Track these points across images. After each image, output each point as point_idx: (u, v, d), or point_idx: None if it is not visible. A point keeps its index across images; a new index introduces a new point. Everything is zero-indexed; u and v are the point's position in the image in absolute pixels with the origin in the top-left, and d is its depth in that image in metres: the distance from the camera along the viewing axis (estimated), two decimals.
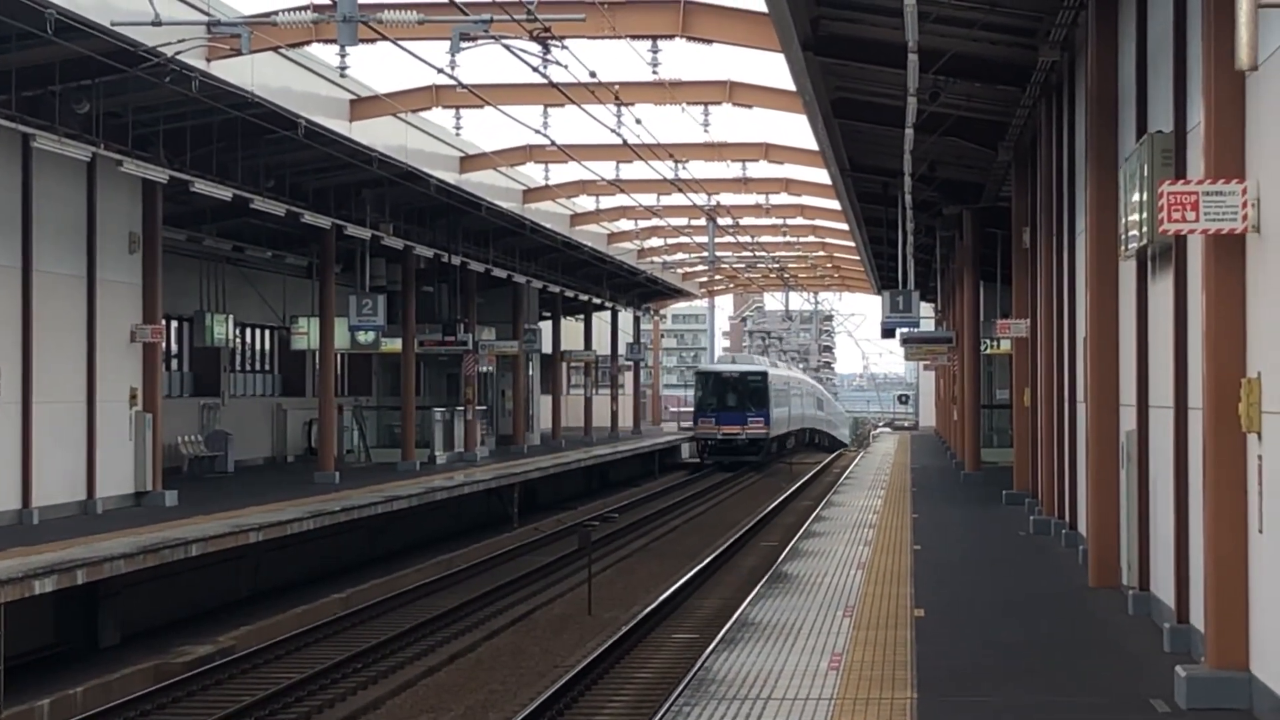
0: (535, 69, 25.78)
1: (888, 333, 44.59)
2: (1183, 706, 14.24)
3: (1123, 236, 18.88)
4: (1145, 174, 16.99)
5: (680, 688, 15.68)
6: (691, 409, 78.15)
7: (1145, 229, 17.09)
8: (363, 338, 45.65)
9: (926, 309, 74.43)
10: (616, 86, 32.85)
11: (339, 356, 55.19)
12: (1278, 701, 13.18)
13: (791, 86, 30.26)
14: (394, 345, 49.22)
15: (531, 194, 50.83)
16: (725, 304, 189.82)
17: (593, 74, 28.65)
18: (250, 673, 24.70)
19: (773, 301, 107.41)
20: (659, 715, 14.29)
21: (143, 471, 34.05)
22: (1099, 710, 14.38)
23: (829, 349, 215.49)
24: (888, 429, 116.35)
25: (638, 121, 34.32)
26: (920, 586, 22.55)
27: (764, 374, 71.72)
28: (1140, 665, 16.42)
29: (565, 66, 26.14)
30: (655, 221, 59.14)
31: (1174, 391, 17.07)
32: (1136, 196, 17.59)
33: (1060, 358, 28.88)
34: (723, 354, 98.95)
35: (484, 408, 57.66)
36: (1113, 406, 21.96)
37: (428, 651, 26.53)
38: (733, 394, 69.48)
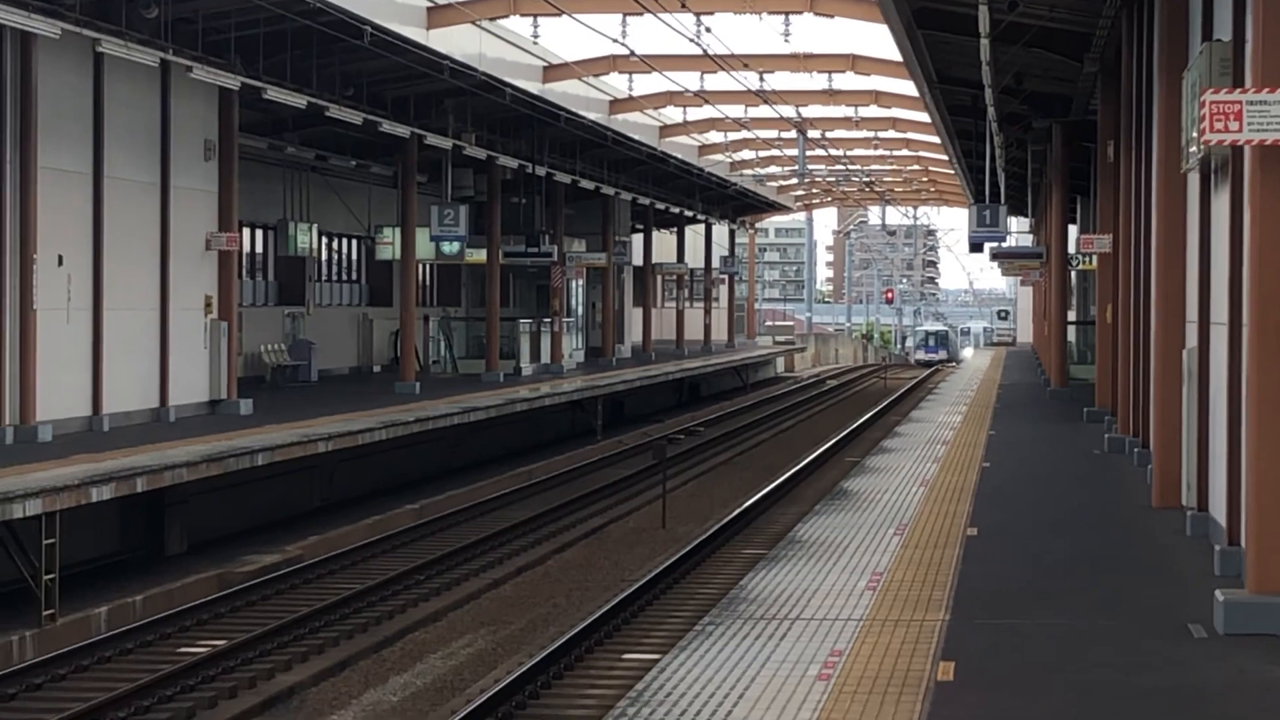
0: None
1: (975, 247, 44.04)
2: (1220, 632, 13.84)
3: (1185, 150, 18.39)
4: (1204, 84, 16.45)
5: (714, 609, 15.41)
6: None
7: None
8: (446, 248, 45.49)
9: (1022, 223, 73.79)
10: None
11: (427, 267, 55.14)
12: None
13: None
14: (479, 256, 49.04)
15: (618, 105, 50.42)
16: (829, 217, 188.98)
17: None
18: (314, 582, 24.76)
19: (877, 216, 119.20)
20: (683, 638, 14.02)
21: (217, 380, 34.03)
22: (1130, 635, 13.95)
23: (933, 264, 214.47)
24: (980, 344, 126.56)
25: (708, 30, 33.91)
26: (980, 504, 22.19)
27: (946, 331, 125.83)
28: (1187, 588, 15.99)
29: None
30: (745, 134, 58.60)
31: (1229, 307, 16.63)
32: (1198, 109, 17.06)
33: (1139, 273, 28.34)
34: (927, 321, 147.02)
35: (572, 320, 57.50)
36: (1178, 322, 21.51)
37: (495, 564, 26.50)
38: (933, 338, 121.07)
